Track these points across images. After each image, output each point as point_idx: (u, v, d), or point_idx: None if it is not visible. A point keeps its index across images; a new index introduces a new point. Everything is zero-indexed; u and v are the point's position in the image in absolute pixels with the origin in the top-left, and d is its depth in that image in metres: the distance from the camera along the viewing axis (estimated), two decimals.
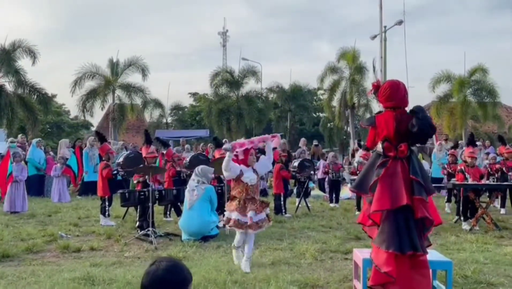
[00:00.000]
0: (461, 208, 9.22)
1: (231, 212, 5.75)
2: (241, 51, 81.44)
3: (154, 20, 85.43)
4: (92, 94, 25.53)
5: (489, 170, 10.60)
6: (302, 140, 16.10)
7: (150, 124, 31.58)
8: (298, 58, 74.03)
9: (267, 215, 5.87)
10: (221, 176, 9.97)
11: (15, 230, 8.36)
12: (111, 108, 26.34)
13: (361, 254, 4.68)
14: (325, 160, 14.57)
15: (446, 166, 11.54)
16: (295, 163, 11.56)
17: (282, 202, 10.58)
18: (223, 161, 9.52)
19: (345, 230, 8.46)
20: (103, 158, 9.76)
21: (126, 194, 8.52)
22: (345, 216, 10.35)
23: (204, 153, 14.19)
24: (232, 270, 5.44)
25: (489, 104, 23.99)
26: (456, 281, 4.93)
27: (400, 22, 22.95)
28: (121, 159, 9.91)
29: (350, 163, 15.23)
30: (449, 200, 11.42)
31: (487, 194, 9.77)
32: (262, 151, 6.72)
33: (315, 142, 18.67)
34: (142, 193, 8.12)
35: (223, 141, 14.83)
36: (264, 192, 13.81)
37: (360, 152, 12.24)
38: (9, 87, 22.95)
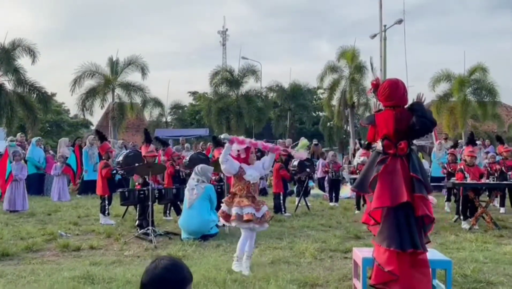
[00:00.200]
0: (460, 207, 9.22)
1: (231, 207, 5.65)
2: (241, 50, 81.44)
3: (154, 19, 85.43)
4: (91, 93, 25.51)
5: (489, 169, 10.61)
6: (302, 139, 16.07)
7: (149, 123, 31.54)
8: (297, 57, 74.01)
9: (266, 213, 5.78)
10: (221, 175, 10.00)
11: (14, 229, 8.37)
12: (111, 107, 26.32)
13: (360, 253, 4.68)
14: (325, 159, 14.57)
15: (445, 165, 11.54)
16: (295, 162, 11.56)
17: (281, 201, 10.58)
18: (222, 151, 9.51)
19: (345, 229, 8.47)
20: (103, 157, 9.75)
21: (126, 193, 8.53)
22: (345, 215, 10.36)
23: (203, 152, 14.19)
24: (232, 269, 5.44)
25: (489, 103, 23.97)
26: (455, 280, 4.93)
27: (400, 21, 22.95)
28: (120, 158, 9.91)
29: (350, 162, 15.25)
30: (448, 199, 11.42)
31: (487, 193, 9.78)
32: (261, 151, 6.69)
33: (314, 141, 18.66)
34: (142, 192, 8.13)
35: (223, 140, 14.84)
36: (263, 191, 13.81)
37: (360, 151, 12.25)
38: (9, 85, 22.95)
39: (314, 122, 36.16)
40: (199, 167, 7.92)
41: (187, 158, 11.05)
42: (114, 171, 9.44)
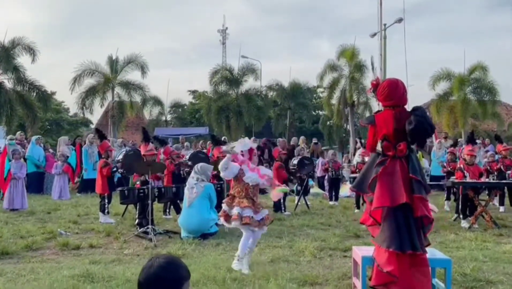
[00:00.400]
0: (460, 206, 9.22)
1: (232, 208, 5.63)
2: (240, 48, 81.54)
3: (154, 17, 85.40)
4: (91, 92, 25.52)
5: (488, 168, 10.61)
6: (302, 138, 16.10)
7: (149, 122, 31.55)
8: (297, 56, 74.02)
9: (266, 217, 5.75)
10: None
11: (14, 227, 8.36)
12: (111, 105, 26.33)
13: (360, 251, 4.68)
14: (324, 158, 14.57)
15: (445, 164, 11.55)
16: (295, 161, 11.56)
17: (281, 200, 10.57)
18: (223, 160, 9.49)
19: (344, 228, 8.47)
20: (102, 156, 9.75)
21: (126, 191, 8.52)
22: (344, 214, 10.36)
23: (203, 150, 14.19)
24: (231, 268, 5.44)
25: (489, 102, 23.97)
26: (455, 279, 4.93)
27: (400, 20, 22.89)
28: (120, 157, 9.91)
29: (349, 161, 15.24)
30: (448, 198, 11.43)
31: (486, 192, 9.78)
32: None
33: (314, 140, 18.66)
34: (142, 191, 8.12)
35: (222, 138, 14.84)
36: (263, 190, 13.78)
37: (360, 150, 12.25)
38: (9, 84, 22.97)
39: (314, 121, 36.17)
40: (198, 166, 7.92)
41: (187, 156, 11.07)
42: (114, 169, 9.45)
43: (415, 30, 70.40)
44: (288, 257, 6.16)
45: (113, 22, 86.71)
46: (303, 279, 5.07)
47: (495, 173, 10.57)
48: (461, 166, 9.41)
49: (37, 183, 14.10)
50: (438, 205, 11.25)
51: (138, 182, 8.69)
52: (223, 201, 5.91)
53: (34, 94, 23.41)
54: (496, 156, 11.62)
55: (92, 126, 34.37)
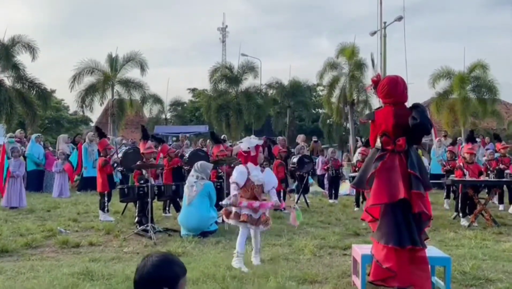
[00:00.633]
0: (459, 204, 9.23)
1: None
2: (240, 46, 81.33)
3: (153, 16, 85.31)
4: (91, 90, 25.50)
5: (488, 167, 10.61)
6: (301, 136, 16.08)
7: (149, 120, 31.54)
8: (297, 54, 73.81)
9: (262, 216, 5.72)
10: (219, 172, 10.00)
11: (14, 225, 8.36)
12: (110, 103, 26.31)
13: (360, 250, 4.68)
14: (324, 156, 14.56)
15: (445, 162, 11.55)
16: (294, 159, 11.56)
17: (281, 198, 10.57)
18: (223, 160, 9.50)
19: (344, 226, 8.48)
20: (101, 154, 9.75)
21: (125, 189, 8.52)
22: (344, 212, 10.36)
23: (203, 148, 14.17)
24: (231, 266, 5.44)
25: (488, 101, 23.96)
26: (454, 277, 4.93)
27: (400, 18, 22.88)
28: (120, 155, 9.90)
29: (349, 160, 15.24)
30: (448, 197, 11.43)
31: (486, 190, 9.78)
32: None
33: (314, 138, 18.65)
34: (141, 189, 8.12)
35: (222, 137, 14.83)
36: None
37: (361, 149, 12.24)
38: (8, 82, 22.90)
39: (314, 119, 36.13)
40: (198, 164, 7.91)
41: (187, 155, 11.07)
42: (115, 164, 9.45)
43: (415, 28, 70.31)
44: (288, 255, 6.16)
45: (113, 21, 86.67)
46: (302, 277, 5.06)
47: (494, 171, 10.57)
48: (461, 164, 9.41)
49: (36, 181, 14.09)
50: (438, 204, 11.30)
51: (140, 179, 8.67)
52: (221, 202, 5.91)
53: (34, 92, 23.35)
54: (496, 155, 11.63)
55: (92, 124, 34.37)
